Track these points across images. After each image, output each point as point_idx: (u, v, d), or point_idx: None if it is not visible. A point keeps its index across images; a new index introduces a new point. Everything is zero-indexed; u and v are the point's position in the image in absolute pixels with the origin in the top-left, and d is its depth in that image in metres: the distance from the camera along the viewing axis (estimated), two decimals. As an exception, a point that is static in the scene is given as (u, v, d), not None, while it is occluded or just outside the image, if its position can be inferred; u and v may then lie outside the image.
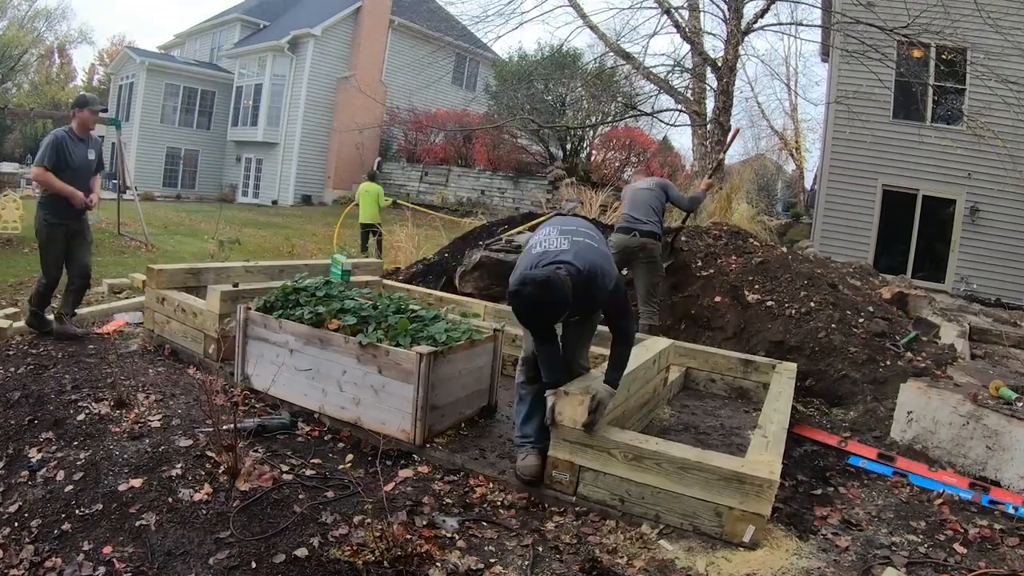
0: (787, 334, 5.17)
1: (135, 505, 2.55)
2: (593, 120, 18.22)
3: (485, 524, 2.70)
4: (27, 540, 2.38)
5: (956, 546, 2.77)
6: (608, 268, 2.79)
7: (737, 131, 6.51)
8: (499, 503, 2.87)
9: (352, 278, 5.33)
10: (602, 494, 2.84)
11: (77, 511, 2.49)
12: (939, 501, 3.23)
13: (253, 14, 26.67)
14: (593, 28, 11.48)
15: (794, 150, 25.64)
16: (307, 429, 3.46)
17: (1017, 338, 6.33)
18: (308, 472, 2.96)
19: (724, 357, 4.80)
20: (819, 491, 3.29)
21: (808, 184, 23.44)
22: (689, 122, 10.97)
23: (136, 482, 2.71)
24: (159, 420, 3.34)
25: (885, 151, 12.02)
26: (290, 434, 3.34)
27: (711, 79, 10.60)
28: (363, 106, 20.43)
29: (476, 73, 26.07)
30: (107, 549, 2.30)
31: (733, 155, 24.55)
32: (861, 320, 5.28)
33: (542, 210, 10.81)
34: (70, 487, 2.66)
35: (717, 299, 5.65)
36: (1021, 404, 3.60)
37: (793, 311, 5.34)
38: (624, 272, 5.10)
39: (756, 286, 5.71)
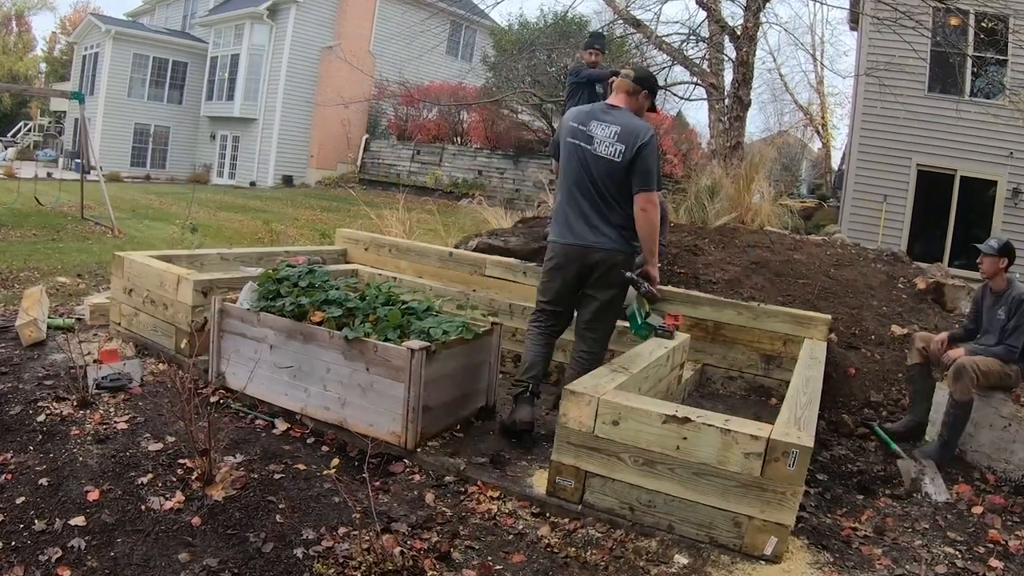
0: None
1: (99, 515, 2.54)
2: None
3: (482, 535, 2.69)
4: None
5: (992, 561, 2.77)
6: None
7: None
8: (497, 512, 2.86)
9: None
10: (610, 502, 2.83)
11: (35, 522, 2.47)
12: (977, 510, 3.23)
13: (229, -23, 26.46)
14: (600, -8, 11.37)
15: (820, 127, 25.54)
16: (288, 430, 3.45)
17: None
18: (289, 478, 2.95)
19: (743, 353, 4.78)
20: (848, 498, 3.28)
21: (835, 164, 23.37)
22: (705, 96, 10.89)
23: (100, 490, 2.69)
24: (126, 422, 3.32)
25: (920, 128, 11.93)
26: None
27: (729, 49, 10.49)
28: (349, 79, 20.28)
29: (473, 42, 25.88)
30: (65, 567, 2.28)
31: (754, 132, 24.46)
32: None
33: (544, 192, 10.76)
34: (27, 496, 2.64)
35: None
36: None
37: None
38: None
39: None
